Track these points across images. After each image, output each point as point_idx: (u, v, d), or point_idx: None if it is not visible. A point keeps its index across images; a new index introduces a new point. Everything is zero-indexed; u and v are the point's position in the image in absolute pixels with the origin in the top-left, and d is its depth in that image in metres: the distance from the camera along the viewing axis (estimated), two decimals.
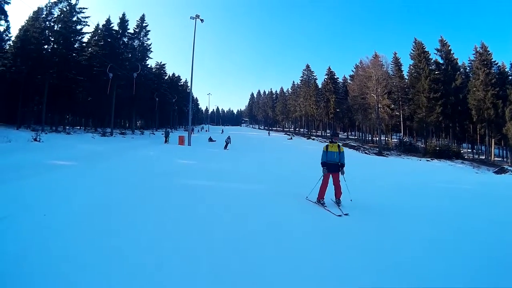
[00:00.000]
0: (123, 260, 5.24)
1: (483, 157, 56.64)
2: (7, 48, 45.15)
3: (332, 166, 10.39)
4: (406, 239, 7.33)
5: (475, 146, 61.42)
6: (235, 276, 4.94)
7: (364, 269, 5.47)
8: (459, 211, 11.42)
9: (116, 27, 57.04)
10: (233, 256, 5.71)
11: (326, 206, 9.90)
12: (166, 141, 43.68)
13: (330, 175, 10.35)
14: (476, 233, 8.32)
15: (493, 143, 54.60)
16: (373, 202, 11.82)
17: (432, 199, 13.76)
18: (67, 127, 52.33)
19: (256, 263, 5.46)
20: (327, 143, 10.84)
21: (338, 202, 10.27)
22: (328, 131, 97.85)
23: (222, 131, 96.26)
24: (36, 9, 46.50)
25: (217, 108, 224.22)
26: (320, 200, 10.27)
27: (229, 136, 42.84)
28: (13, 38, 45.92)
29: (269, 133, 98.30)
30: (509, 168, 42.25)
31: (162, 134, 51.08)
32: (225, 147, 41.00)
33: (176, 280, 4.77)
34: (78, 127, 58.75)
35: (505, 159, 55.86)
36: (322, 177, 10.45)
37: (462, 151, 59.41)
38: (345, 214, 9.14)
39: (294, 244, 6.55)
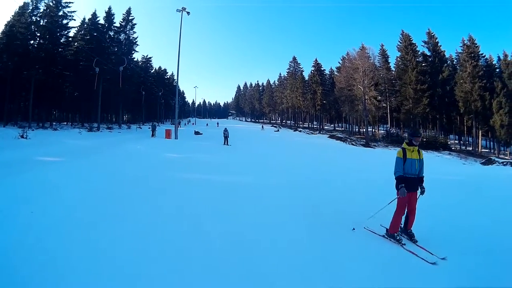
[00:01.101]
0: (111, 255, 5.49)
1: (470, 149, 57.66)
2: None
3: (412, 182, 7.10)
4: None
5: (462, 138, 62.33)
6: None
7: None
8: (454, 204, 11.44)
9: (102, 21, 57.46)
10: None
11: (405, 245, 6.82)
12: (153, 135, 43.97)
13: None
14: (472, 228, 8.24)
15: (480, 134, 55.59)
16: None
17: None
18: (54, 123, 52.67)
19: None
20: (401, 147, 7.46)
21: (411, 235, 7.22)
22: (315, 123, 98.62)
23: (218, 124, 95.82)
24: (22, 4, 46.26)
25: (204, 101, 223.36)
26: (394, 234, 7.16)
27: (226, 129, 38.37)
28: None
29: (262, 126, 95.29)
30: (496, 159, 42.96)
31: (149, 128, 51.27)
32: (225, 141, 36.41)
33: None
34: (65, 123, 58.92)
35: (492, 151, 56.88)
36: (396, 200, 7.27)
37: (449, 143, 60.50)
38: (441, 259, 6.00)
39: None
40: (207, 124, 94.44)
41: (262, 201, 10.03)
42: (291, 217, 8.41)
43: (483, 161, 43.74)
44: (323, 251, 6.23)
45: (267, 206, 9.46)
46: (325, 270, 5.40)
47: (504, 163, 40.19)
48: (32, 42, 46.44)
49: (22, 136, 29.62)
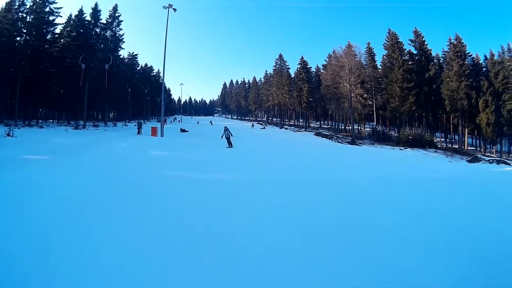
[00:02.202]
0: (98, 255, 5.63)
1: (456, 146, 58.75)
2: None
3: None
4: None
5: (448, 135, 63.74)
6: None
7: None
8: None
9: (88, 18, 57.74)
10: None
11: None
12: (139, 133, 44.23)
13: None
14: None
15: (466, 132, 56.66)
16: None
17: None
18: (40, 121, 53.18)
19: None
20: None
21: None
22: (301, 120, 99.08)
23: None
24: (9, 0, 45.73)
25: (190, 99, 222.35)
26: None
27: (226, 127, 31.40)
28: None
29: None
30: (482, 157, 43.54)
31: (135, 125, 51.95)
32: (228, 143, 29.91)
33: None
34: (51, 121, 59.15)
35: (478, 148, 58.10)
36: None
37: (435, 140, 61.32)
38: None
39: None
40: (197, 122, 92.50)
41: (248, 201, 10.15)
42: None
43: (469, 158, 44.46)
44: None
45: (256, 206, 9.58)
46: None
47: (490, 161, 40.89)
48: (18, 38, 46.70)
49: (8, 135, 29.77)
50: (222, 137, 30.55)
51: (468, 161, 43.05)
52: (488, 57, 57.34)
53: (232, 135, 30.73)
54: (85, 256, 5.55)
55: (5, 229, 6.59)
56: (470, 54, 59.60)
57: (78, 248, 5.80)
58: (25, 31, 46.78)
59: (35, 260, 5.28)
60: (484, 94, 51.47)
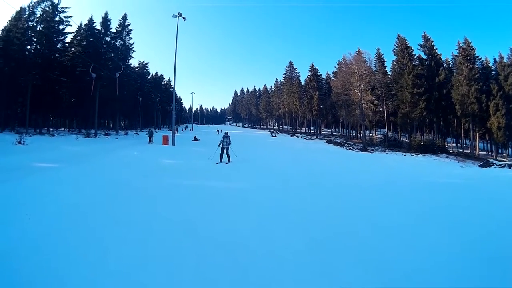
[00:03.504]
0: (107, 260, 5.49)
1: (468, 151, 57.61)
2: None
3: None
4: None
5: (460, 141, 62.58)
6: None
7: None
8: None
9: (98, 27, 57.63)
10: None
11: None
12: (150, 141, 43.36)
13: None
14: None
15: (477, 137, 55.57)
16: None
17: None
18: (51, 129, 52.81)
19: None
20: None
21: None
22: (312, 128, 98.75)
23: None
24: (19, 9, 46.15)
25: (201, 107, 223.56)
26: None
27: (226, 134, 23.82)
28: None
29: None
30: (494, 161, 42.76)
31: (146, 134, 50.84)
32: (227, 156, 22.85)
33: None
34: (62, 129, 59.11)
35: (489, 153, 56.94)
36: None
37: (446, 146, 60.40)
38: None
39: None
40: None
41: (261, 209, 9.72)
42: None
43: (481, 163, 43.49)
44: None
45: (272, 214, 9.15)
46: None
47: (502, 165, 39.98)
48: (29, 47, 46.26)
49: (19, 142, 29.67)
50: (219, 145, 22.76)
51: (479, 166, 42.13)
52: (498, 60, 56.45)
53: (230, 143, 23.11)
54: (92, 263, 5.39)
55: (13, 235, 6.44)
56: (479, 57, 58.76)
57: (85, 256, 5.60)
58: (35, 40, 46.46)
59: (40, 267, 5.12)
60: (495, 98, 50.42)
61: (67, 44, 53.15)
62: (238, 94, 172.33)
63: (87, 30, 55.61)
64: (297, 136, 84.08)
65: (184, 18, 43.11)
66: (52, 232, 6.68)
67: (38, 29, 46.53)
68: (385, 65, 74.04)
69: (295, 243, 6.77)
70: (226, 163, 21.46)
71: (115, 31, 60.77)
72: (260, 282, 5.12)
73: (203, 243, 6.46)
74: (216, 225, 7.70)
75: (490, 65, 59.33)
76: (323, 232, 7.52)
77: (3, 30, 45.79)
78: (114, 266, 5.32)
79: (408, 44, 64.36)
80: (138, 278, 5.00)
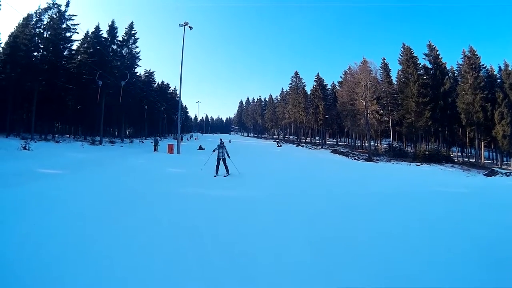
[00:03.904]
0: (112, 267, 5.42)
1: (473, 160, 57.37)
2: None
3: None
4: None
5: (465, 150, 62.41)
6: None
7: None
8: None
9: (105, 35, 57.60)
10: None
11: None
12: (155, 150, 43.34)
13: None
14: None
15: (482, 146, 55.47)
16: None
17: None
18: (57, 135, 52.62)
19: None
20: None
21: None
22: (317, 137, 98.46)
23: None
24: (26, 15, 46.45)
25: (206, 116, 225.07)
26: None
27: (221, 144, 20.56)
28: (2, 45, 46.47)
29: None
30: (499, 170, 42.51)
31: (151, 142, 51.09)
32: (222, 169, 19.70)
33: None
34: (68, 135, 58.96)
35: (495, 162, 56.71)
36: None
37: (452, 155, 59.89)
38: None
39: None
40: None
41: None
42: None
43: (486, 172, 43.24)
44: None
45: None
46: None
47: (507, 173, 39.68)
48: (35, 54, 46.18)
49: (24, 148, 29.47)
50: (213, 152, 20.36)
51: (485, 175, 41.75)
52: (503, 68, 56.58)
53: (227, 154, 20.01)
54: (95, 269, 5.36)
55: (16, 240, 6.42)
56: (484, 66, 58.94)
57: (87, 263, 5.54)
58: (42, 46, 46.35)
59: (41, 275, 5.05)
60: (500, 106, 50.33)
61: (73, 51, 53.15)
62: (244, 103, 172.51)
63: (94, 38, 55.63)
64: (302, 146, 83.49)
65: (191, 28, 43.14)
66: (55, 237, 6.66)
67: (45, 36, 46.42)
68: (391, 74, 74.34)
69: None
70: (224, 176, 18.64)
71: (121, 39, 60.83)
72: None
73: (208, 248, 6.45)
74: (220, 230, 7.71)
75: (495, 73, 59.89)
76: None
77: (10, 36, 46.24)
78: (120, 271, 5.31)
79: (413, 53, 64.58)
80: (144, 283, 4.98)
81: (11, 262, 5.36)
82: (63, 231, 7.03)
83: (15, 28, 47.03)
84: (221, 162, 19.65)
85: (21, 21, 46.68)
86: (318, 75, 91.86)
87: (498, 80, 58.00)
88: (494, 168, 44.86)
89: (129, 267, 5.52)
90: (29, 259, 5.51)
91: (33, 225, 7.32)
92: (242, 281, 5.29)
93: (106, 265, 5.48)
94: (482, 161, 55.03)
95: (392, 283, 5.25)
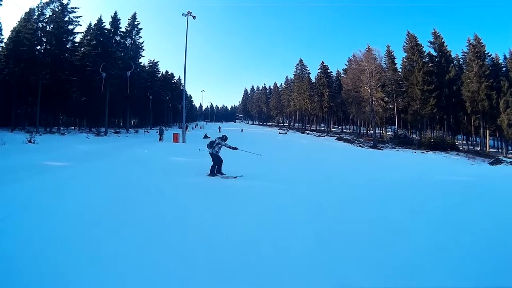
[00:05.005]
0: (120, 260, 5.34)
1: (478, 149, 57.23)
2: None
3: None
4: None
5: (470, 138, 62.06)
6: None
7: None
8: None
9: (108, 26, 57.53)
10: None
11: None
12: (160, 139, 43.66)
13: None
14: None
15: (487, 134, 55.11)
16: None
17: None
18: (61, 128, 52.60)
19: None
20: None
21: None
22: (322, 125, 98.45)
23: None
24: (28, 10, 46.39)
25: (211, 105, 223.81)
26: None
27: (222, 137, 16.27)
28: (5, 40, 46.19)
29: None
30: (504, 158, 42.53)
31: (157, 132, 51.28)
32: (217, 168, 15.60)
33: None
34: (73, 128, 59.08)
35: (500, 150, 56.45)
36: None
37: (457, 143, 60.11)
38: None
39: None
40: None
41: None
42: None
43: (491, 161, 43.16)
44: None
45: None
46: None
47: None
48: (38, 47, 46.19)
49: (29, 141, 29.41)
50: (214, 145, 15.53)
51: (490, 163, 41.69)
52: (508, 56, 56.08)
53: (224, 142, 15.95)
54: (98, 263, 5.23)
55: (22, 235, 6.38)
56: (489, 54, 58.43)
57: (93, 257, 5.42)
58: (45, 40, 46.24)
59: (47, 268, 4.97)
60: (505, 95, 50.08)
61: (76, 44, 53.01)
62: (249, 92, 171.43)
63: (97, 29, 55.74)
64: (308, 134, 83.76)
65: (194, 17, 43.07)
66: (62, 232, 6.59)
67: (47, 29, 46.40)
68: (395, 62, 73.55)
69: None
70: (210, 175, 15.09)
71: (124, 30, 60.76)
72: None
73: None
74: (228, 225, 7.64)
75: (500, 61, 59.26)
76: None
77: (12, 31, 46.02)
78: (123, 265, 5.20)
79: (418, 41, 64.14)
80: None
81: (16, 259, 5.30)
82: (72, 226, 6.97)
83: (17, 23, 46.76)
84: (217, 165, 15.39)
85: (23, 16, 46.49)
86: (322, 62, 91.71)
87: (503, 69, 57.41)
88: (499, 157, 44.97)
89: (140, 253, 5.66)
90: (34, 256, 5.42)
91: (39, 220, 7.28)
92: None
93: (106, 257, 5.44)
94: (487, 149, 54.87)
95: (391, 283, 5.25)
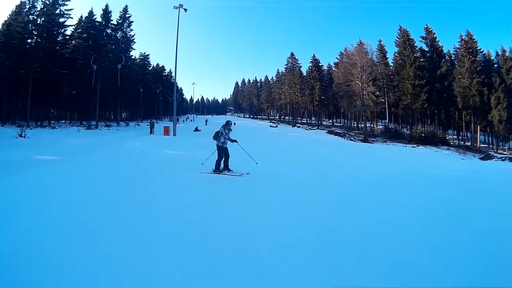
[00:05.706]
0: (113, 256, 5.34)
1: (469, 144, 57.67)
2: None
3: None
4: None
5: (461, 133, 62.50)
6: None
7: None
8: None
9: (99, 19, 57.78)
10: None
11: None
12: (151, 132, 43.87)
13: None
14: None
15: (478, 129, 55.52)
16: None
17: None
18: (52, 122, 52.86)
19: None
20: None
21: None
22: (313, 118, 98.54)
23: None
24: (19, 3, 46.25)
25: (202, 98, 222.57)
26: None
27: (226, 124, 14.41)
28: None
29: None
30: (495, 154, 42.93)
31: (147, 125, 51.02)
32: (217, 164, 14.00)
33: None
34: (63, 121, 59.19)
35: (490, 146, 56.93)
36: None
37: (447, 138, 60.47)
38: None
39: None
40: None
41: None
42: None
43: (482, 156, 43.56)
44: None
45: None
46: None
47: (503, 158, 40.09)
48: (29, 40, 46.33)
49: (20, 135, 29.69)
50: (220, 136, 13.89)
51: (480, 158, 42.05)
52: (500, 53, 56.50)
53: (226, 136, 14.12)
54: (93, 259, 5.17)
55: (15, 230, 6.34)
56: (481, 50, 58.57)
57: (90, 250, 5.44)
58: (36, 33, 46.51)
59: (42, 266, 4.88)
60: (496, 91, 50.36)
61: (67, 37, 53.25)
62: (240, 84, 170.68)
63: (88, 22, 55.71)
64: (298, 127, 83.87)
65: (185, 10, 43.58)
66: (56, 228, 6.56)
67: (38, 22, 46.53)
68: (387, 56, 73.55)
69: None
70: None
71: (116, 23, 60.87)
72: None
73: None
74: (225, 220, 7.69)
75: (492, 58, 59.27)
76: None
77: (3, 24, 45.84)
78: (118, 260, 5.18)
79: (410, 35, 64.40)
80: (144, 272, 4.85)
81: (11, 255, 5.27)
82: (64, 221, 6.99)
83: (8, 16, 46.41)
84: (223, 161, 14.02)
85: (14, 9, 46.23)
86: (314, 56, 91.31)
87: (495, 65, 57.71)
88: (490, 152, 45.31)
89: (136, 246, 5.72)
90: (28, 249, 5.46)
91: (31, 215, 7.29)
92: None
93: (101, 253, 5.41)
94: (478, 145, 55.31)
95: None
